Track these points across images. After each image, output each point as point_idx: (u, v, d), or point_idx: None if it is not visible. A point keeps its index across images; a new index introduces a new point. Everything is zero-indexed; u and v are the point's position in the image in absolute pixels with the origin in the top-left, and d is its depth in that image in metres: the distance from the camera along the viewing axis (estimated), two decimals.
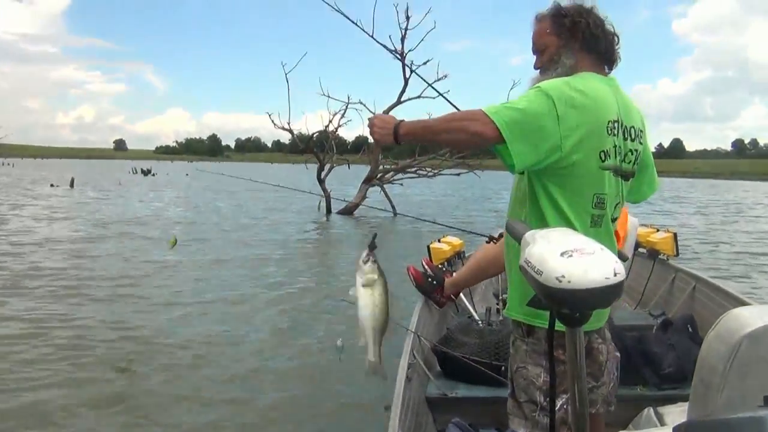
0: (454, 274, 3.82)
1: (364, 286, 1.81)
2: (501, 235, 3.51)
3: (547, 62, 1.76)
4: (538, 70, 1.79)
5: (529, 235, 1.14)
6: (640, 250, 4.62)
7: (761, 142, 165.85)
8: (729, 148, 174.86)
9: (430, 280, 3.65)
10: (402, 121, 1.71)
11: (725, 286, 3.74)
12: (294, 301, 6.47)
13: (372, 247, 1.83)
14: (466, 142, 1.66)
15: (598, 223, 1.67)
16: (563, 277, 0.99)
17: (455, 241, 4.46)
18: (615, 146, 1.65)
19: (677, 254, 4.55)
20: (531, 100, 1.55)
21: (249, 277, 7.57)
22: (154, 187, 28.73)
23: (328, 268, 8.69)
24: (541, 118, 1.53)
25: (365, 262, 1.81)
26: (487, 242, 3.69)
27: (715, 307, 3.50)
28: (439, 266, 3.99)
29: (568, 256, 1.02)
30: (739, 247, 11.93)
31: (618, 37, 1.76)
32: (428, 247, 4.25)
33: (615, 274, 1.00)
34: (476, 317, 3.58)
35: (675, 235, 4.58)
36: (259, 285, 7.15)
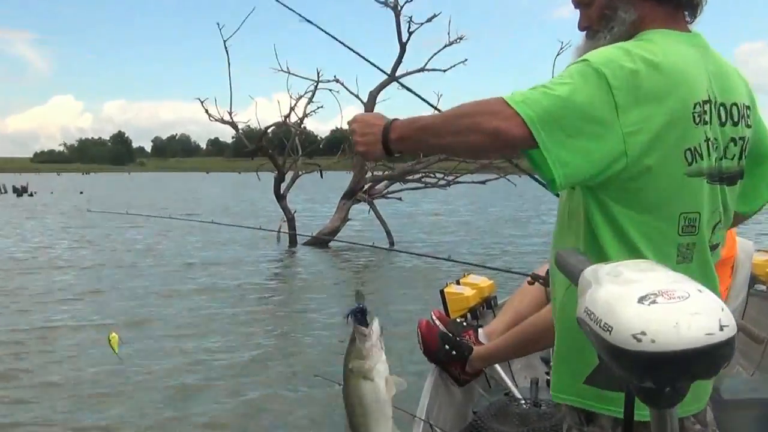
0: (482, 332, 3.76)
1: (355, 375, 1.80)
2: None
3: (596, 20, 1.73)
4: (585, 33, 1.78)
5: (590, 272, 1.13)
6: (758, 287, 4.62)
7: None
8: None
9: (447, 347, 3.58)
10: (394, 121, 1.67)
11: None
12: (249, 380, 6.42)
13: (357, 315, 1.80)
14: (480, 147, 1.65)
15: (688, 257, 1.65)
16: (643, 334, 0.97)
17: (482, 281, 4.42)
18: (708, 139, 1.62)
19: None
20: (575, 81, 1.51)
21: (180, 350, 7.45)
22: (32, 214, 28.66)
23: (294, 332, 8.64)
24: (593, 109, 1.50)
25: (352, 341, 1.80)
26: (530, 282, 3.67)
27: None
28: (459, 320, 3.95)
29: (650, 302, 1.00)
30: None
31: None
32: (442, 292, 4.19)
33: (721, 328, 0.98)
34: (517, 394, 3.55)
35: None
36: (195, 362, 7.04)
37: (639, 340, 0.97)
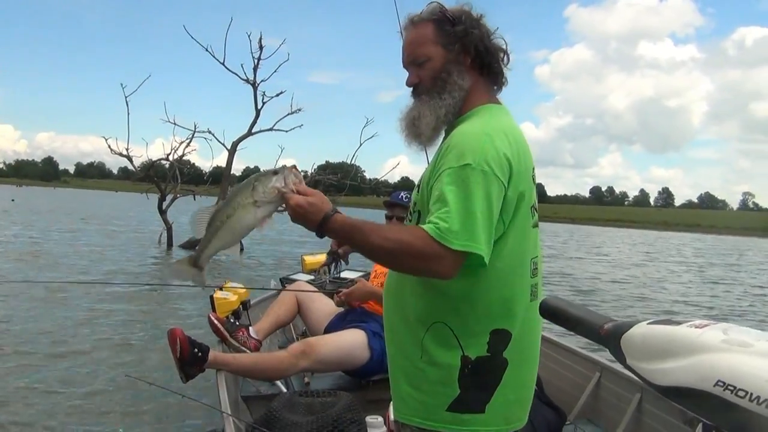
0: (253, 329, 4.10)
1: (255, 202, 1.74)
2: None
3: (428, 82, 1.73)
4: (412, 91, 1.80)
5: (653, 334, 1.05)
6: None
7: (617, 190, 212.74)
8: (587, 194, 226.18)
9: (195, 350, 3.59)
10: (336, 214, 1.63)
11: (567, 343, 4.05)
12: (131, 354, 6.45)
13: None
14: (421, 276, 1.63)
15: (536, 295, 1.73)
16: None
17: (239, 288, 4.65)
18: (536, 194, 1.74)
19: None
20: (476, 189, 1.55)
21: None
22: None
23: (158, 313, 8.83)
24: (498, 202, 1.58)
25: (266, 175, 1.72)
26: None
27: None
28: (229, 318, 4.27)
29: None
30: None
31: (507, 55, 1.80)
32: (211, 297, 4.38)
33: None
34: (284, 389, 3.84)
35: None
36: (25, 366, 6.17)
37: None
